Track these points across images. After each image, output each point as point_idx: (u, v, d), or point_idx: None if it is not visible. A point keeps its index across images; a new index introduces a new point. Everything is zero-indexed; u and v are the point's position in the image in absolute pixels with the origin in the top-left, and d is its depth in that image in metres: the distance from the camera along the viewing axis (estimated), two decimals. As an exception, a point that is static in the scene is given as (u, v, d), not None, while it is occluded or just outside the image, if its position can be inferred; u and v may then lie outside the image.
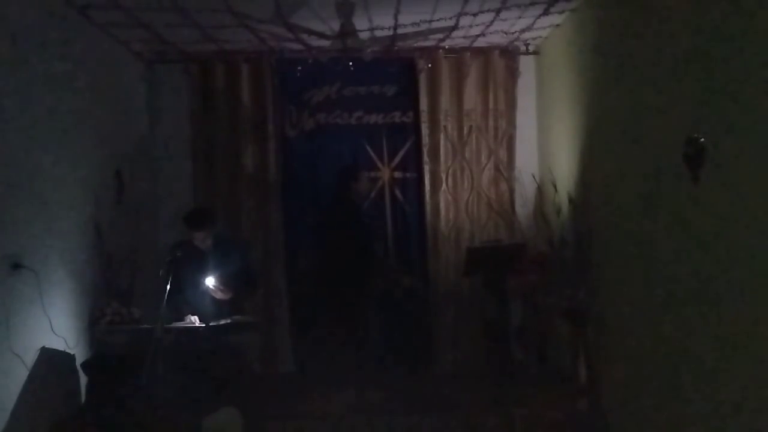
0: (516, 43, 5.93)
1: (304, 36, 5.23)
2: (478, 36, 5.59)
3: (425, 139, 6.09)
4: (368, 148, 6.25)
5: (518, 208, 6.06)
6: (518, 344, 5.60)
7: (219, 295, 4.71)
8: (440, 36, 5.53)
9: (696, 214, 3.05)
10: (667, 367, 3.42)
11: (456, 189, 6.07)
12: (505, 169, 6.07)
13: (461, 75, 6.04)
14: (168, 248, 4.79)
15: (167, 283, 4.22)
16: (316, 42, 5.36)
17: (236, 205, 5.96)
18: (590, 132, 4.64)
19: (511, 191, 6.06)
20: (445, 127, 6.06)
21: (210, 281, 4.65)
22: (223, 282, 4.69)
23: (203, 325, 4.55)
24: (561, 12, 4.95)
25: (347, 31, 4.79)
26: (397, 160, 6.26)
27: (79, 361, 4.21)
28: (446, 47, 5.91)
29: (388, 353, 5.83)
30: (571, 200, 4.94)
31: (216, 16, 4.72)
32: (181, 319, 4.58)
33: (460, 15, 4.95)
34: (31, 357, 3.69)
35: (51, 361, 3.86)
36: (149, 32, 5.08)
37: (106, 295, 4.59)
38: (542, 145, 6.01)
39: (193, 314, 4.62)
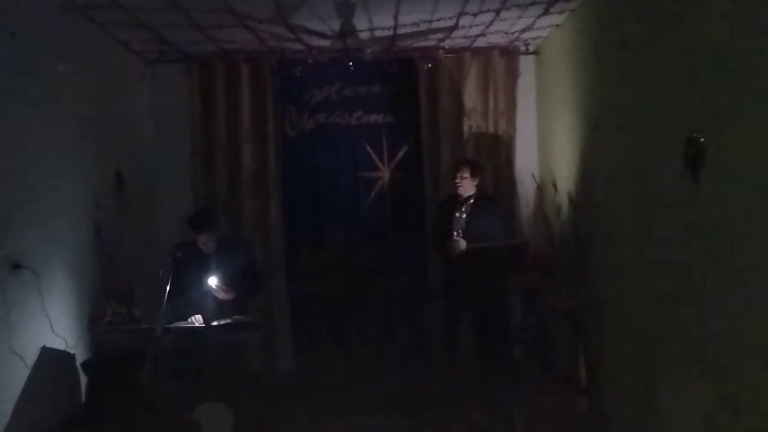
0: (516, 43, 5.93)
1: (304, 36, 5.24)
2: (478, 36, 5.59)
3: (425, 139, 6.09)
4: (368, 148, 6.26)
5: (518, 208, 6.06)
6: (518, 344, 5.60)
7: (222, 296, 4.72)
8: (440, 36, 5.53)
9: (696, 214, 3.04)
10: (668, 366, 3.42)
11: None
12: (505, 169, 6.06)
13: (461, 75, 6.04)
14: (171, 248, 4.79)
15: (167, 284, 4.22)
16: (316, 42, 5.36)
17: (236, 205, 5.97)
18: (590, 132, 4.64)
19: (511, 191, 6.06)
20: (445, 127, 6.06)
21: (213, 281, 4.66)
22: (226, 282, 4.70)
23: (204, 324, 4.56)
24: (561, 12, 4.95)
25: (347, 31, 4.79)
26: (397, 160, 6.27)
27: (79, 361, 4.21)
28: (446, 47, 5.91)
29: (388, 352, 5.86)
30: (571, 200, 4.94)
31: (216, 16, 4.72)
32: (185, 320, 4.59)
33: (460, 15, 4.95)
34: (31, 357, 3.69)
35: (51, 360, 3.86)
36: (149, 32, 5.08)
37: (106, 295, 4.59)
38: (542, 145, 6.01)
39: (196, 314, 4.64)
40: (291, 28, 5.03)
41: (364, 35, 5.15)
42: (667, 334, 3.41)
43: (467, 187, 5.33)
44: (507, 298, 5.76)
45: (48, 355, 3.83)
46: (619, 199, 4.06)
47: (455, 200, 5.38)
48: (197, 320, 4.61)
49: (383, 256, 6.23)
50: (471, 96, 6.06)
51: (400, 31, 5.17)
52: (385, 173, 6.27)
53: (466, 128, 6.06)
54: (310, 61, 5.82)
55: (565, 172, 5.14)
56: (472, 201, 5.34)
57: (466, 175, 5.31)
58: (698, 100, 3.01)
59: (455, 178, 5.35)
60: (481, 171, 5.54)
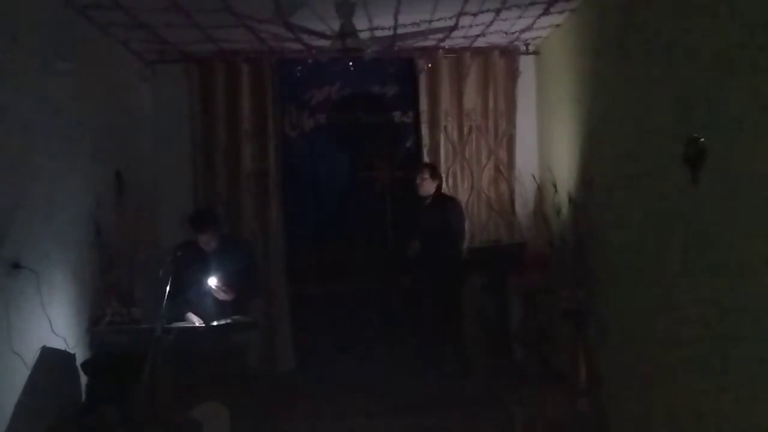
0: (516, 43, 5.93)
1: (304, 36, 5.23)
2: (478, 36, 5.59)
3: (425, 139, 6.09)
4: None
5: (518, 208, 6.06)
6: (518, 344, 5.60)
7: (222, 296, 4.73)
8: (440, 36, 5.53)
9: (696, 214, 3.05)
10: (667, 366, 3.42)
11: (456, 189, 6.07)
12: (505, 169, 6.07)
13: (461, 75, 6.04)
14: (172, 249, 4.79)
15: (167, 284, 4.23)
16: (316, 42, 5.35)
17: (236, 205, 5.96)
18: (590, 132, 4.64)
19: (511, 191, 6.06)
20: (445, 127, 6.06)
21: (212, 282, 4.66)
22: (226, 283, 4.70)
23: (203, 324, 4.56)
24: (561, 12, 4.96)
25: (347, 31, 4.79)
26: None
27: (79, 361, 4.21)
28: (446, 47, 5.91)
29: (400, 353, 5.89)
30: (571, 200, 4.94)
31: (216, 16, 4.73)
32: (183, 319, 4.59)
33: (460, 15, 4.95)
34: (31, 357, 3.69)
35: (51, 360, 3.86)
36: (149, 32, 5.08)
37: (106, 295, 4.59)
38: (542, 145, 6.01)
39: (194, 313, 4.64)
40: (291, 28, 5.03)
41: (364, 35, 5.14)
42: (667, 333, 3.40)
43: (426, 187, 5.63)
44: (507, 298, 5.75)
45: (48, 355, 3.83)
46: (619, 199, 4.06)
47: (419, 201, 5.71)
48: (194, 319, 4.62)
49: (383, 256, 6.22)
50: (471, 96, 6.06)
51: (400, 31, 5.16)
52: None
53: (466, 128, 6.07)
54: (310, 61, 5.81)
55: (565, 172, 5.14)
56: (429, 201, 5.64)
57: (426, 176, 5.64)
58: (698, 100, 3.01)
59: (416, 179, 5.66)
60: (441, 174, 5.82)
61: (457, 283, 5.64)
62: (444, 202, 5.71)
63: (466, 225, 6.01)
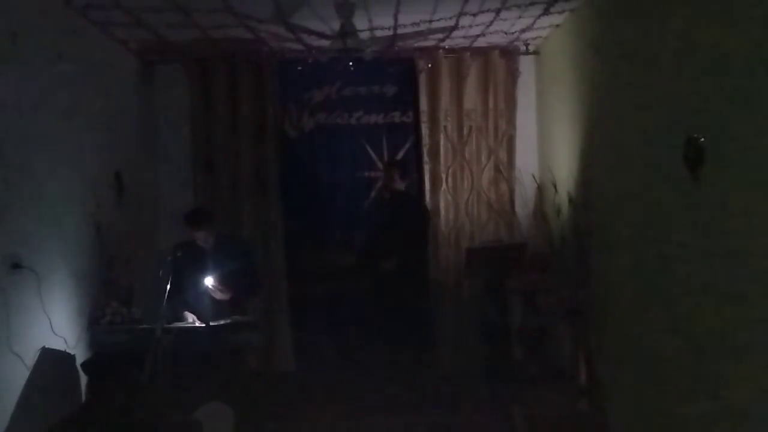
0: (516, 43, 5.93)
1: (304, 36, 5.24)
2: (478, 36, 5.59)
3: (425, 139, 6.10)
4: (368, 148, 6.26)
5: (518, 208, 6.06)
6: (518, 344, 5.60)
7: (218, 295, 4.72)
8: (440, 36, 5.53)
9: (696, 214, 3.05)
10: (667, 366, 3.42)
11: (456, 189, 6.07)
12: (505, 169, 6.07)
13: (461, 75, 6.04)
14: (171, 248, 4.79)
15: (167, 283, 4.23)
16: (316, 42, 5.36)
17: (236, 205, 5.96)
18: (590, 132, 4.64)
19: (511, 191, 6.06)
20: (445, 127, 6.06)
21: (209, 281, 4.66)
22: (223, 282, 4.70)
23: (203, 324, 4.56)
24: (561, 12, 4.96)
25: (347, 31, 4.79)
26: (397, 160, 6.26)
27: (79, 361, 4.21)
28: (446, 47, 5.91)
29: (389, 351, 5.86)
30: (571, 200, 4.94)
31: (216, 16, 4.73)
32: (180, 319, 4.59)
33: (460, 15, 4.96)
34: (31, 357, 3.69)
35: (51, 361, 3.86)
36: (149, 32, 5.08)
37: (106, 295, 4.59)
38: (542, 145, 6.01)
39: (191, 312, 4.64)
40: (291, 28, 5.03)
41: (364, 35, 5.15)
42: (667, 333, 3.41)
43: (396, 185, 5.74)
44: (507, 298, 5.74)
45: (48, 355, 3.83)
46: (619, 199, 4.05)
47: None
48: (191, 318, 4.61)
49: (383, 256, 6.21)
50: (471, 96, 6.06)
51: (400, 31, 5.17)
52: (384, 173, 6.25)
53: (466, 128, 6.07)
54: (310, 61, 5.82)
55: (565, 172, 5.14)
56: (389, 197, 5.81)
57: (397, 176, 5.72)
58: (698, 100, 3.01)
59: (385, 178, 5.84)
60: (410, 174, 5.96)
61: (410, 281, 5.63)
62: (394, 199, 5.75)
63: (466, 224, 6.02)
